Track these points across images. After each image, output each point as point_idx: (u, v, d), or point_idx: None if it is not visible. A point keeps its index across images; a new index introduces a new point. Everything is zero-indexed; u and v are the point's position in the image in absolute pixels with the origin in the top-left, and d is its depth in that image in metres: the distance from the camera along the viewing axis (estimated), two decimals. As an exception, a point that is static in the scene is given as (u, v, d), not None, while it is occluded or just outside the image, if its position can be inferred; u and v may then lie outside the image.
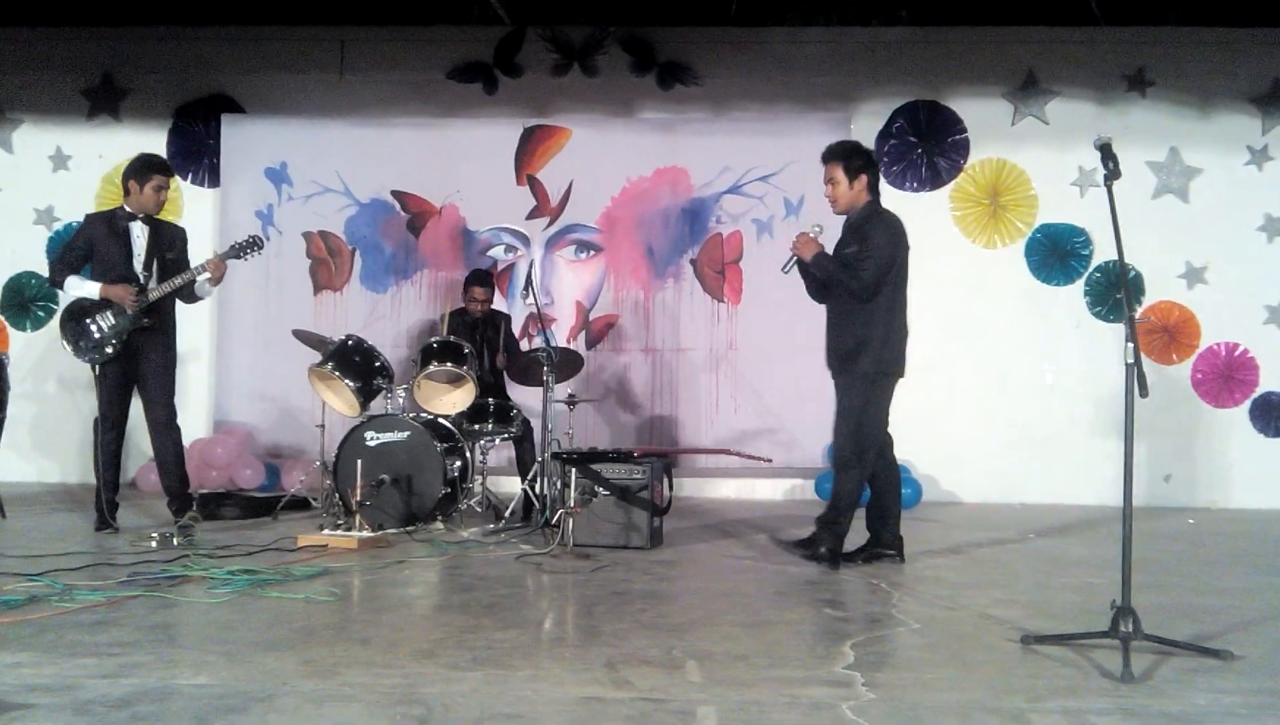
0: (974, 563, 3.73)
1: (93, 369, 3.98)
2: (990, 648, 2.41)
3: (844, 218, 3.62)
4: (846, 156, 3.53)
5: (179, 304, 4.14)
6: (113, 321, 3.90)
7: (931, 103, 6.25)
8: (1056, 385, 6.07)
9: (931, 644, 2.46)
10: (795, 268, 3.62)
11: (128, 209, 4.03)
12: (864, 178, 3.50)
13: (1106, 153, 2.48)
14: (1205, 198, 6.10)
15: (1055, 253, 6.17)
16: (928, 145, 6.23)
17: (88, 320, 3.92)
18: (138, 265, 3.97)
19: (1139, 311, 5.99)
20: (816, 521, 3.57)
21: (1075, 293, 6.16)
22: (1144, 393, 2.27)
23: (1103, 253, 6.09)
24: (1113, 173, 2.46)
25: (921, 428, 6.10)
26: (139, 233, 4.00)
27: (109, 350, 3.90)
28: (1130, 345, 2.29)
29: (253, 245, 4.13)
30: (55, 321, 6.42)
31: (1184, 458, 5.98)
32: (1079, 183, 6.13)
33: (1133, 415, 2.31)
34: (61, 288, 4.00)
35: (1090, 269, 6.15)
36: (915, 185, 6.26)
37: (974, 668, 2.23)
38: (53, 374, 6.40)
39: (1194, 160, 6.12)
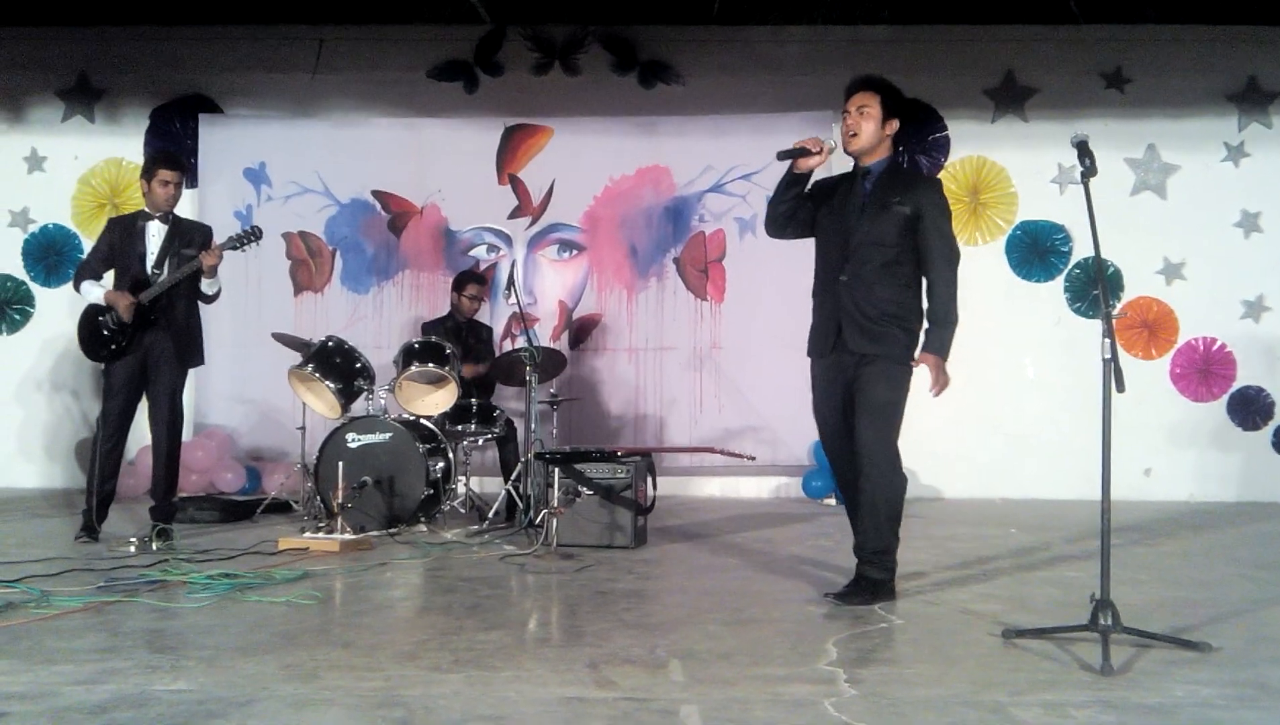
0: (955, 557, 3.75)
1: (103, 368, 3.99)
2: (971, 642, 2.43)
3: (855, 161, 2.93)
4: (888, 91, 2.88)
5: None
6: (115, 324, 3.89)
7: (912, 101, 6.27)
8: (1037, 381, 6.13)
9: (913, 639, 2.47)
10: (789, 165, 2.87)
11: (146, 210, 4.02)
12: (895, 125, 2.89)
13: (1083, 150, 2.49)
14: (1183, 194, 6.17)
15: (1035, 250, 6.22)
16: (908, 143, 6.26)
17: (100, 319, 3.92)
18: (150, 265, 3.93)
19: (1118, 307, 6.05)
20: (872, 561, 2.84)
21: (1055, 289, 6.21)
22: (1120, 388, 2.29)
23: (1082, 249, 6.15)
24: (1089, 170, 2.48)
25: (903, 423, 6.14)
26: (155, 232, 3.96)
27: (113, 347, 3.90)
28: (1107, 341, 2.31)
29: (251, 236, 4.07)
30: (35, 324, 6.38)
31: (1163, 452, 6.05)
32: (1058, 180, 6.18)
33: (1110, 410, 2.33)
34: (79, 292, 4.01)
35: (1070, 265, 6.21)
36: (897, 183, 6.30)
37: (955, 662, 2.24)
38: (43, 378, 6.32)
39: (1171, 157, 6.19)
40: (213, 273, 3.94)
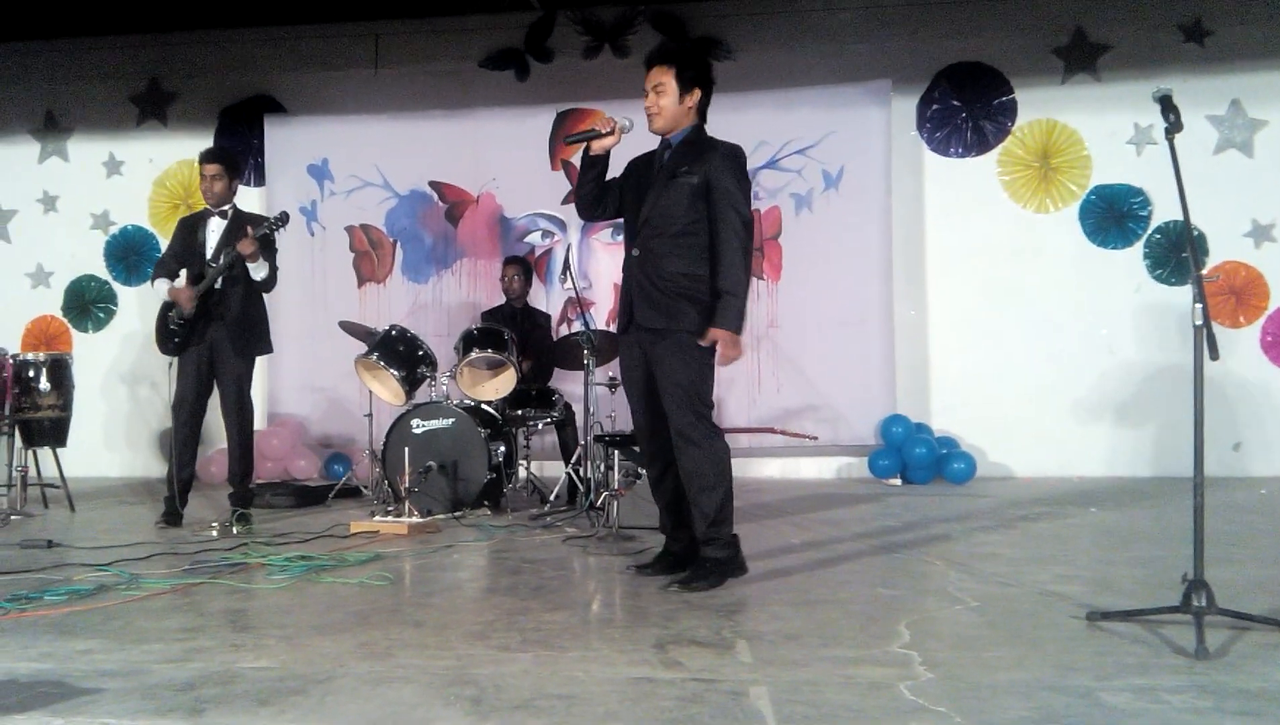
0: (1032, 538, 3.62)
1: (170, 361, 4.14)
2: (1053, 625, 2.33)
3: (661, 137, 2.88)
4: (682, 62, 2.81)
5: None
6: (179, 317, 4.04)
7: (975, 64, 6.04)
8: (1114, 352, 5.86)
9: (991, 622, 2.39)
10: (584, 148, 2.86)
11: (208, 206, 4.17)
12: (697, 94, 2.81)
13: (1167, 105, 2.34)
14: (1271, 151, 5.80)
15: (1111, 215, 5.93)
16: (972, 109, 6.03)
17: (169, 314, 4.08)
18: (209, 259, 4.05)
19: (1207, 269, 5.73)
20: (709, 539, 2.76)
21: (1134, 256, 5.92)
22: (1214, 355, 2.15)
23: (1162, 213, 5.84)
24: (1174, 125, 2.33)
25: (970, 400, 5.97)
26: (215, 227, 4.10)
27: (175, 341, 4.06)
28: (1199, 306, 2.17)
29: (279, 222, 4.08)
30: (118, 321, 6.69)
31: (1254, 425, 5.73)
32: (1135, 141, 5.87)
33: (1201, 379, 2.20)
34: (154, 288, 4.19)
35: (1150, 230, 5.90)
36: (960, 150, 6.08)
37: (1037, 646, 2.15)
38: (126, 372, 6.64)
39: (1257, 112, 5.81)
40: (255, 259, 3.96)
